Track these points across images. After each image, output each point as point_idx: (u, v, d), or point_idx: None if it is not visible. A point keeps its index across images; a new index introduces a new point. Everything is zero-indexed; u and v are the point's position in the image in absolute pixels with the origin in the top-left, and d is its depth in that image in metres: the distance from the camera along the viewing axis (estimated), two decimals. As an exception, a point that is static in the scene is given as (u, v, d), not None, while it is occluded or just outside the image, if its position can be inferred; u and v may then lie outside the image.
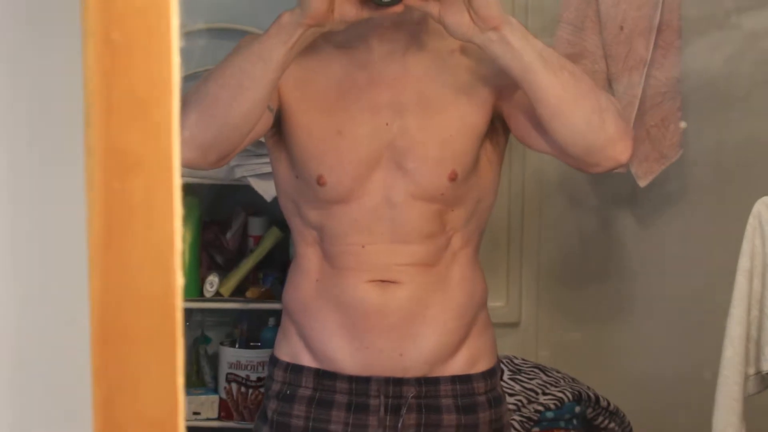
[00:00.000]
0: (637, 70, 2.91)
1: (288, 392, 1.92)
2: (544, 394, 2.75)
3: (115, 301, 0.69)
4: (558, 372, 2.88)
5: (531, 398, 2.73)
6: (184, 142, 0.73)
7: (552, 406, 2.72)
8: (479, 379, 1.92)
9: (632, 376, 3.18)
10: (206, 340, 3.13)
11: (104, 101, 0.68)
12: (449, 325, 1.89)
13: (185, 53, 0.71)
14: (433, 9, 1.74)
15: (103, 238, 0.69)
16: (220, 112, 1.74)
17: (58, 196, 0.78)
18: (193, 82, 1.81)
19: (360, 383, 1.87)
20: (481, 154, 1.89)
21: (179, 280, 0.70)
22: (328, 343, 1.89)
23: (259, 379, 2.97)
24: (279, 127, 1.89)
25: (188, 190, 2.59)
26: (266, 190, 2.86)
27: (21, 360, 0.80)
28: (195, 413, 3.00)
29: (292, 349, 1.93)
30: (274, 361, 1.96)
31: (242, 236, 3.10)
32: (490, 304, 2.03)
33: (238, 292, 3.02)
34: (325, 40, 1.85)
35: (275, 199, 2.04)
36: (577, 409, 2.75)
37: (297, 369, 1.92)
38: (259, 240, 3.06)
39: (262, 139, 1.94)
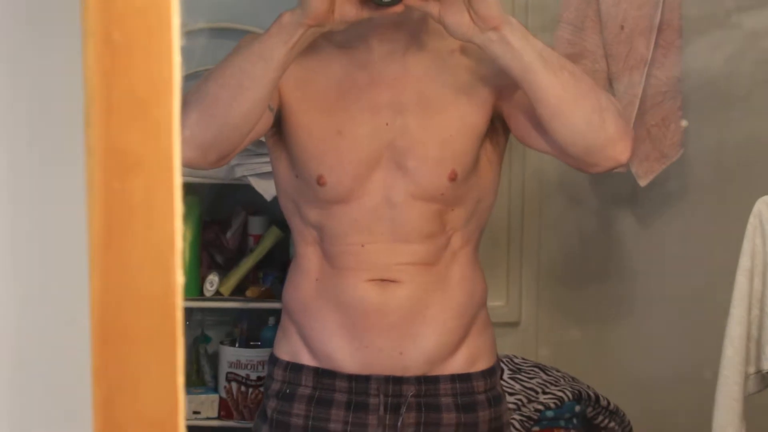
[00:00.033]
0: (638, 69, 2.91)
1: (288, 391, 1.92)
2: (544, 393, 2.75)
3: (116, 301, 0.69)
4: (558, 371, 2.88)
5: (531, 397, 2.73)
6: (185, 142, 0.73)
7: (552, 405, 2.72)
8: (479, 377, 1.92)
9: (632, 375, 3.18)
10: (206, 339, 3.13)
11: (104, 101, 0.68)
12: (449, 324, 1.89)
13: (186, 52, 0.70)
14: (433, 9, 1.74)
15: (104, 238, 0.69)
16: (220, 111, 1.74)
17: (58, 196, 0.78)
18: (194, 82, 1.81)
19: (360, 382, 1.87)
20: (481, 154, 1.89)
21: (180, 280, 0.70)
22: (327, 342, 1.89)
23: (259, 378, 2.97)
24: (279, 126, 1.89)
25: (188, 189, 2.59)
26: (266, 189, 2.86)
27: (21, 360, 0.80)
28: (195, 412, 3.00)
29: (291, 348, 1.93)
30: (273, 360, 1.96)
31: (242, 235, 3.10)
32: (490, 303, 2.03)
33: (238, 292, 3.02)
34: (326, 40, 1.85)
35: (275, 199, 2.04)
36: (577, 408, 2.75)
37: (297, 368, 1.92)
38: (259, 239, 3.06)
39: (263, 139, 1.94)
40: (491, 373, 1.95)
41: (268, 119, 1.82)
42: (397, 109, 1.84)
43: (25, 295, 0.79)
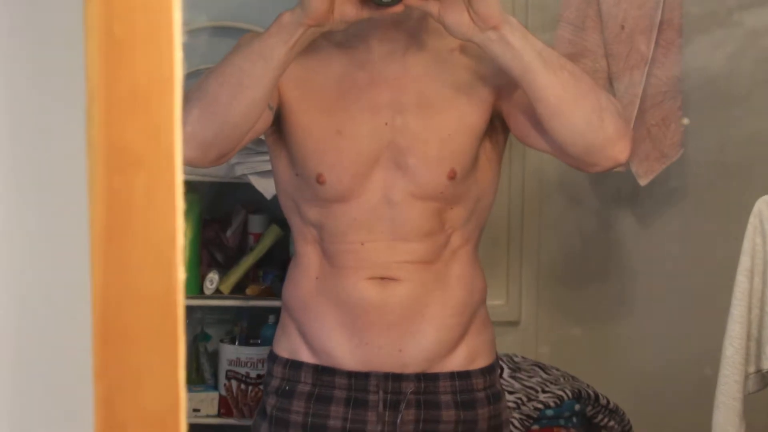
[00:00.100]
0: (638, 69, 2.91)
1: (287, 388, 1.92)
2: (544, 392, 2.75)
3: (117, 298, 0.69)
4: (558, 370, 2.88)
5: (531, 396, 2.73)
6: (185, 140, 0.73)
7: (552, 404, 2.72)
8: (478, 375, 1.92)
9: (632, 374, 3.18)
10: (206, 337, 3.13)
11: (106, 98, 0.68)
12: (448, 321, 1.89)
13: (187, 50, 0.70)
14: (433, 8, 1.74)
15: (105, 235, 0.69)
16: (220, 110, 1.74)
17: (59, 193, 0.78)
18: (196, 80, 1.81)
19: (359, 379, 1.88)
20: (480, 153, 1.90)
21: (181, 277, 0.70)
22: (327, 339, 1.89)
23: (258, 376, 2.98)
24: (279, 125, 1.89)
25: (188, 187, 2.59)
26: (266, 187, 2.86)
27: (22, 357, 0.80)
28: (195, 410, 3.01)
29: (291, 345, 1.94)
30: (273, 357, 1.96)
31: (242, 234, 3.10)
32: (490, 302, 2.03)
33: (238, 290, 3.02)
34: (326, 40, 1.85)
35: (275, 197, 2.04)
36: (577, 407, 2.75)
37: (296, 365, 1.92)
38: (259, 237, 3.06)
39: (263, 137, 1.94)
40: (490, 371, 1.95)
41: (267, 118, 1.82)
42: (397, 109, 1.84)
43: (26, 292, 0.79)
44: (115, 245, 0.70)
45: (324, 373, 1.90)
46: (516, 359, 2.91)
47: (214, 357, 3.10)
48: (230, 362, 3.01)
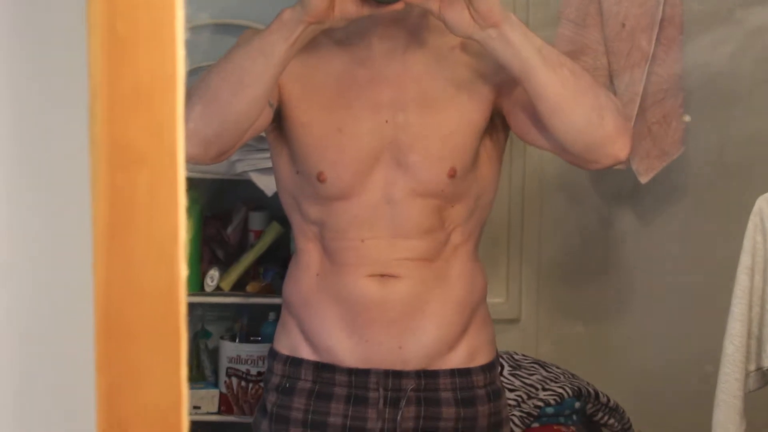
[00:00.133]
0: (639, 66, 2.91)
1: (287, 385, 1.92)
2: (544, 389, 2.75)
3: (119, 294, 0.70)
4: (558, 368, 2.88)
5: (531, 394, 2.74)
6: (187, 137, 0.73)
7: (552, 402, 2.72)
8: (478, 372, 1.93)
9: (632, 372, 3.18)
10: (206, 334, 3.13)
11: (109, 95, 0.68)
12: (448, 319, 1.89)
13: (190, 47, 0.71)
14: (433, 6, 1.74)
15: (108, 232, 0.69)
16: (221, 107, 1.74)
17: (62, 191, 0.78)
18: (198, 77, 1.81)
19: (359, 376, 1.88)
20: (480, 151, 1.90)
21: (183, 274, 0.70)
22: (328, 336, 1.89)
23: (259, 373, 2.98)
24: (280, 122, 1.89)
25: (189, 184, 2.58)
26: (267, 184, 2.86)
27: (24, 353, 0.80)
28: (195, 407, 3.01)
29: (291, 342, 1.94)
30: (273, 354, 1.96)
31: (243, 231, 3.10)
32: (490, 300, 2.03)
33: (239, 287, 3.02)
34: (326, 37, 1.85)
35: (276, 194, 2.04)
36: (577, 404, 2.75)
37: (296, 362, 1.92)
38: (259, 235, 3.06)
39: (263, 134, 1.94)
40: (491, 368, 1.95)
41: (267, 115, 1.82)
42: (398, 107, 1.84)
43: (28, 290, 0.80)
44: (117, 242, 0.70)
45: (324, 370, 1.90)
46: (516, 357, 2.91)
47: (214, 354, 3.10)
48: (231, 359, 3.01)
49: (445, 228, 1.89)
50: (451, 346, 1.91)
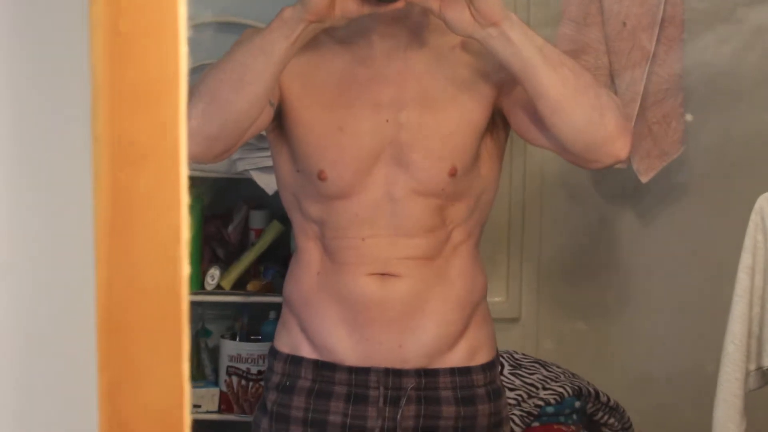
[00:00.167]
0: (640, 66, 2.91)
1: (287, 384, 1.92)
2: (545, 389, 2.75)
3: (121, 292, 0.69)
4: (558, 367, 2.88)
5: (531, 393, 2.74)
6: (190, 135, 0.73)
7: (552, 401, 2.72)
8: (478, 371, 1.93)
9: (632, 371, 3.18)
10: (207, 333, 3.13)
11: (111, 92, 0.68)
12: (449, 317, 1.89)
13: (193, 45, 0.70)
14: (434, 5, 1.74)
15: (110, 230, 0.69)
16: (222, 105, 1.74)
17: (65, 188, 0.78)
18: (200, 75, 1.81)
19: (359, 374, 1.88)
20: (481, 150, 1.90)
21: (185, 271, 0.70)
22: (328, 335, 1.89)
23: (259, 372, 2.98)
24: (280, 121, 1.89)
25: (190, 183, 2.58)
26: (268, 183, 2.86)
27: (26, 351, 0.80)
28: (195, 406, 3.00)
29: (292, 341, 1.94)
30: (273, 352, 1.96)
31: (243, 229, 3.10)
32: (491, 299, 2.03)
33: (239, 286, 3.02)
34: (327, 36, 1.85)
35: (277, 193, 2.04)
36: (577, 404, 2.75)
37: (296, 360, 1.92)
38: (260, 233, 3.06)
39: (264, 133, 1.94)
40: (491, 367, 1.95)
41: (268, 114, 1.83)
42: (398, 106, 1.84)
43: (30, 288, 0.79)
44: (119, 240, 0.70)
45: (324, 368, 1.90)
46: (516, 356, 2.91)
47: (214, 353, 3.10)
48: (231, 358, 3.01)
49: (446, 227, 1.89)
50: (451, 344, 1.91)
